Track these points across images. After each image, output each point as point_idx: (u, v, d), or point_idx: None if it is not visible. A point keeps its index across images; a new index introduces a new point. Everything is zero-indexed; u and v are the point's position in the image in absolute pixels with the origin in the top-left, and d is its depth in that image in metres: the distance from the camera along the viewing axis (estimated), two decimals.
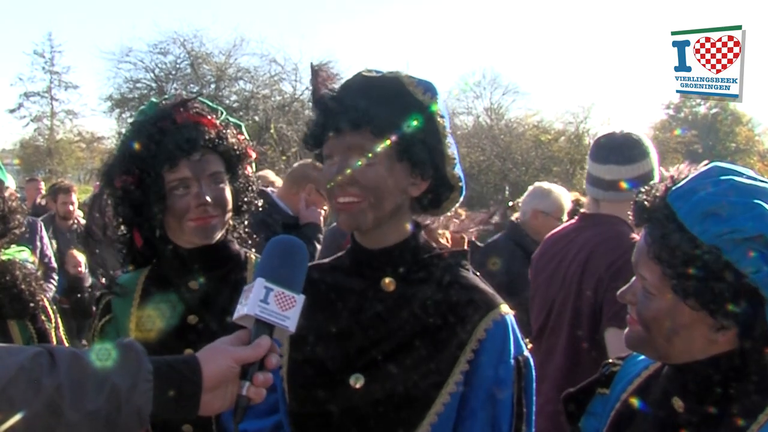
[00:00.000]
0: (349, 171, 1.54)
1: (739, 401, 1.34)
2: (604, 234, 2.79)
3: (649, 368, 1.55)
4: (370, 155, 1.54)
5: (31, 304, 2.01)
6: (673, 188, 1.38)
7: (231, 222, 2.03)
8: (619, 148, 2.88)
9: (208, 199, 1.87)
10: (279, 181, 4.85)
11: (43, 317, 2.08)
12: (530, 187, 4.76)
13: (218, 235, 1.95)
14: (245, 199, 2.04)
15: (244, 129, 2.09)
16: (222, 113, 2.03)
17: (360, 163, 1.54)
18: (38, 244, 5.92)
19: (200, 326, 1.92)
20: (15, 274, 2.02)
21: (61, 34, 59.60)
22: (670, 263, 1.31)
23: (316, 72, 1.63)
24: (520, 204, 4.73)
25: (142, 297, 1.99)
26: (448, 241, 1.93)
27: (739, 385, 1.34)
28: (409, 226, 1.65)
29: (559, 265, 2.94)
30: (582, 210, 3.18)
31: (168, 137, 1.87)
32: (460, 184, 1.64)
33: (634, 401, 1.52)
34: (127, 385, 1.21)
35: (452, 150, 1.60)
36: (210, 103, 2.05)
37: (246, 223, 2.12)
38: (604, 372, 1.64)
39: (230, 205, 1.96)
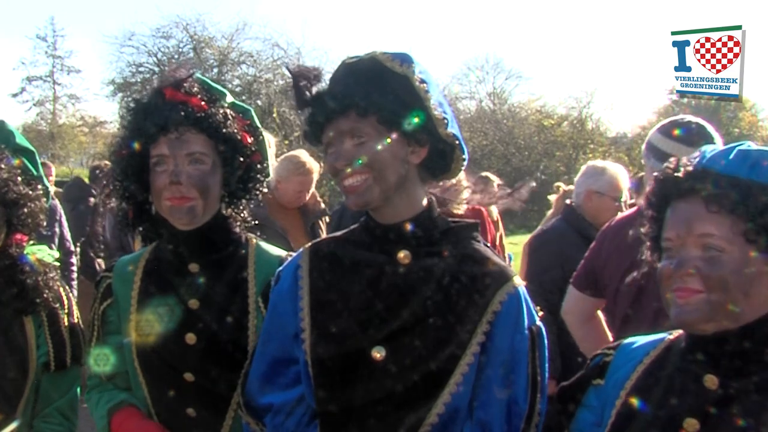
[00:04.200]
0: (346, 155, 1.62)
1: None
2: None
3: (650, 354, 1.56)
4: (361, 135, 1.61)
5: (37, 300, 2.03)
6: (703, 158, 1.46)
7: (229, 209, 2.02)
8: None
9: (182, 177, 1.85)
10: None
11: (56, 305, 2.08)
12: (583, 167, 4.29)
13: (198, 220, 1.92)
14: (240, 185, 2.00)
15: (253, 114, 2.07)
16: (224, 95, 2.01)
17: (354, 144, 1.62)
18: (57, 230, 5.93)
19: (201, 311, 1.93)
20: (24, 271, 2.04)
21: (63, 18, 59.49)
22: (743, 208, 1.36)
23: (296, 74, 1.70)
24: (573, 185, 4.25)
25: (143, 280, 2.00)
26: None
27: None
28: (422, 200, 1.71)
29: None
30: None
31: (153, 114, 1.89)
32: (457, 142, 1.69)
33: (644, 384, 1.54)
34: None
35: (440, 111, 1.64)
36: (213, 84, 2.03)
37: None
38: (596, 362, 1.65)
39: (214, 189, 1.93)
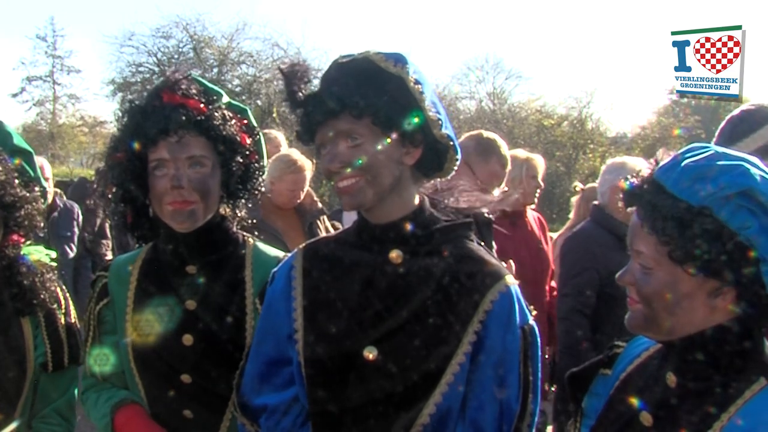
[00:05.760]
0: (340, 157, 1.61)
1: (727, 377, 1.37)
2: None
3: (649, 350, 1.59)
4: (356, 137, 1.60)
5: (34, 302, 2.03)
6: (658, 166, 1.43)
7: (227, 209, 2.02)
8: None
9: (184, 182, 1.85)
10: None
11: (53, 306, 2.09)
12: (603, 166, 4.24)
13: (200, 222, 1.92)
14: (239, 186, 2.00)
15: (249, 114, 2.06)
16: (221, 95, 2.00)
17: (348, 146, 1.61)
18: (75, 230, 5.89)
19: (198, 312, 1.93)
20: (21, 272, 2.05)
21: (63, 18, 59.30)
22: (664, 230, 1.34)
23: (288, 75, 1.68)
24: (596, 185, 4.11)
25: (139, 281, 1.99)
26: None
27: (730, 360, 1.38)
28: (414, 199, 1.71)
29: None
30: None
31: (151, 117, 1.87)
32: (451, 143, 1.68)
33: (631, 378, 1.56)
34: None
35: (434, 112, 1.64)
36: (209, 85, 2.02)
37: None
38: (608, 353, 1.67)
39: (214, 191, 1.93)
